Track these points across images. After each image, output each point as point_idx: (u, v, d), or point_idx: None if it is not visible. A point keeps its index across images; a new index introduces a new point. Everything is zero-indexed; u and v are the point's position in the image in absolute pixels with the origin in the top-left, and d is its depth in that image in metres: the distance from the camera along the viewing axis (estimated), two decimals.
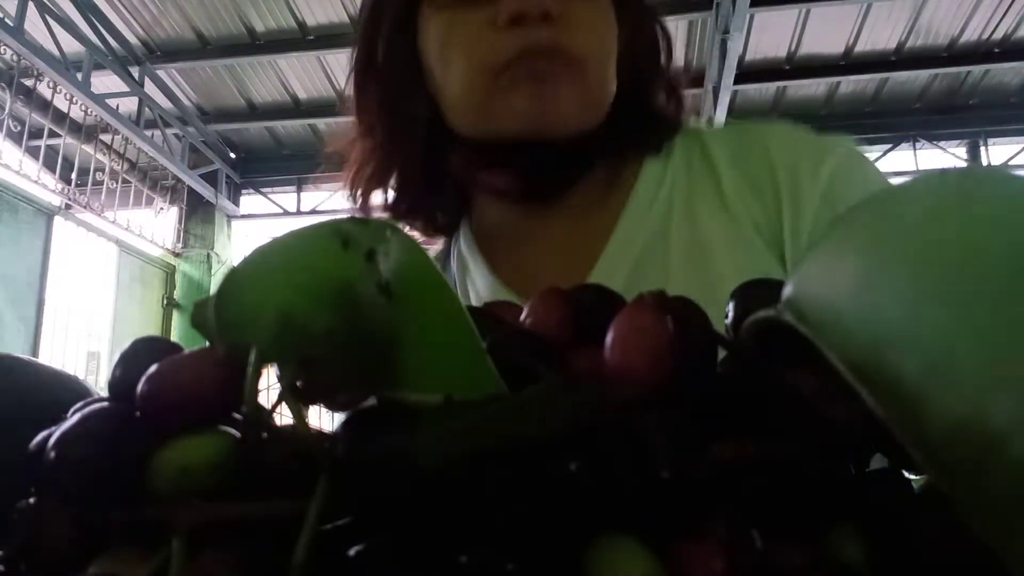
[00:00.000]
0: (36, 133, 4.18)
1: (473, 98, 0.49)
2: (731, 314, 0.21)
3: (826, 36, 4.16)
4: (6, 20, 3.24)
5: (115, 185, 4.55)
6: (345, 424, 0.18)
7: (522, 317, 0.23)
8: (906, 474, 0.18)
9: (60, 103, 4.17)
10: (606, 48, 0.50)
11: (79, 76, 3.67)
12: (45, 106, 4.15)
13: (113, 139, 4.49)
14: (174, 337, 4.37)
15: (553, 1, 0.46)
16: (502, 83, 0.47)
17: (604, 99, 0.51)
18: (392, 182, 0.58)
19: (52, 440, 0.18)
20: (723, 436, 0.17)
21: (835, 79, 4.53)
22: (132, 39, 4.04)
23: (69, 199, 4.17)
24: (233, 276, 0.19)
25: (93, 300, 4.43)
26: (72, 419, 0.18)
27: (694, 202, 0.53)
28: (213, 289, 0.20)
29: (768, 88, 4.64)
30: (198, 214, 5.15)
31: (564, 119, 0.48)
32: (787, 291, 0.17)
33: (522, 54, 0.47)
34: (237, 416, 0.19)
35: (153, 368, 0.19)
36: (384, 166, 0.57)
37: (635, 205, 0.53)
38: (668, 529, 0.16)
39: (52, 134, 4.18)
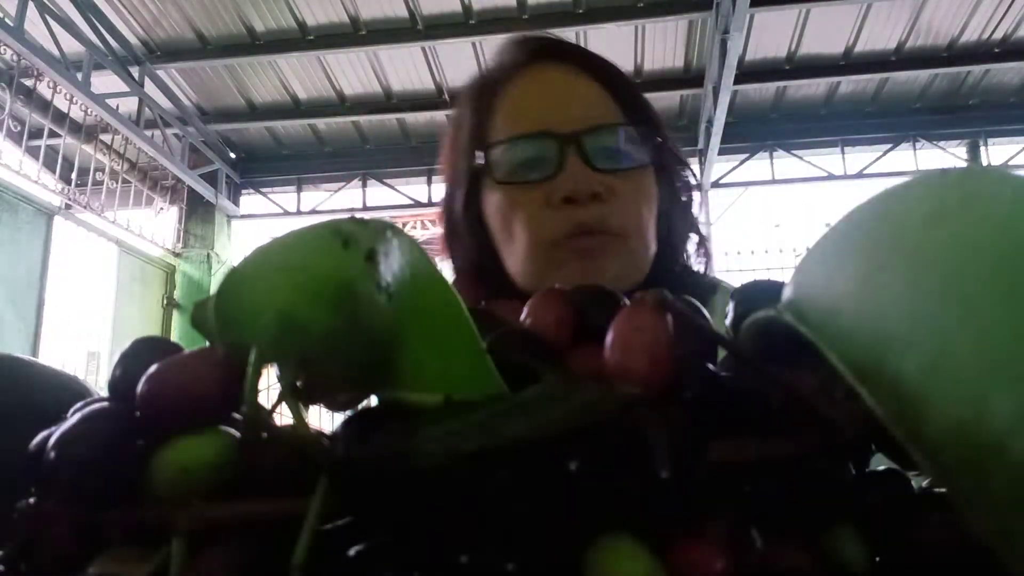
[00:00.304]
0: (36, 133, 4.18)
1: (533, 268, 0.57)
2: (731, 314, 0.21)
3: (826, 36, 4.15)
4: (6, 20, 3.24)
5: (115, 185, 4.55)
6: (345, 424, 0.18)
7: (522, 317, 0.23)
8: (906, 474, 0.18)
9: (60, 103, 4.17)
10: (646, 217, 0.58)
11: (79, 76, 3.67)
12: (45, 106, 4.15)
13: (113, 139, 4.49)
14: (174, 337, 4.36)
15: (600, 183, 0.54)
16: (556, 256, 0.55)
17: (645, 263, 0.58)
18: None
19: (52, 440, 0.18)
20: (723, 436, 0.17)
21: (835, 79, 4.53)
22: (132, 39, 4.04)
23: (69, 199, 4.16)
24: (233, 276, 0.19)
25: (93, 300, 4.43)
26: (72, 419, 0.18)
27: None
28: (213, 289, 0.20)
29: (768, 88, 4.64)
30: (198, 214, 5.14)
31: (608, 281, 0.54)
32: (787, 291, 0.17)
33: (573, 232, 0.55)
34: (237, 416, 0.19)
35: (153, 368, 0.19)
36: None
37: None
38: (668, 529, 0.16)
39: (52, 134, 4.18)
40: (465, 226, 0.62)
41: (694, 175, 0.66)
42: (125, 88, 4.06)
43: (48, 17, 3.55)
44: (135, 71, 4.13)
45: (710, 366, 0.20)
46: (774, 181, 5.15)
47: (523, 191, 0.57)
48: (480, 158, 0.59)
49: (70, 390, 0.29)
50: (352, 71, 4.40)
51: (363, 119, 4.85)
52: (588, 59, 0.61)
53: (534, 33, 0.64)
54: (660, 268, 0.59)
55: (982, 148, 5.02)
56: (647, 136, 0.59)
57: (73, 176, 4.33)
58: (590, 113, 0.57)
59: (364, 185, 5.34)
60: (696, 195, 0.65)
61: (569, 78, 0.59)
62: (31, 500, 0.19)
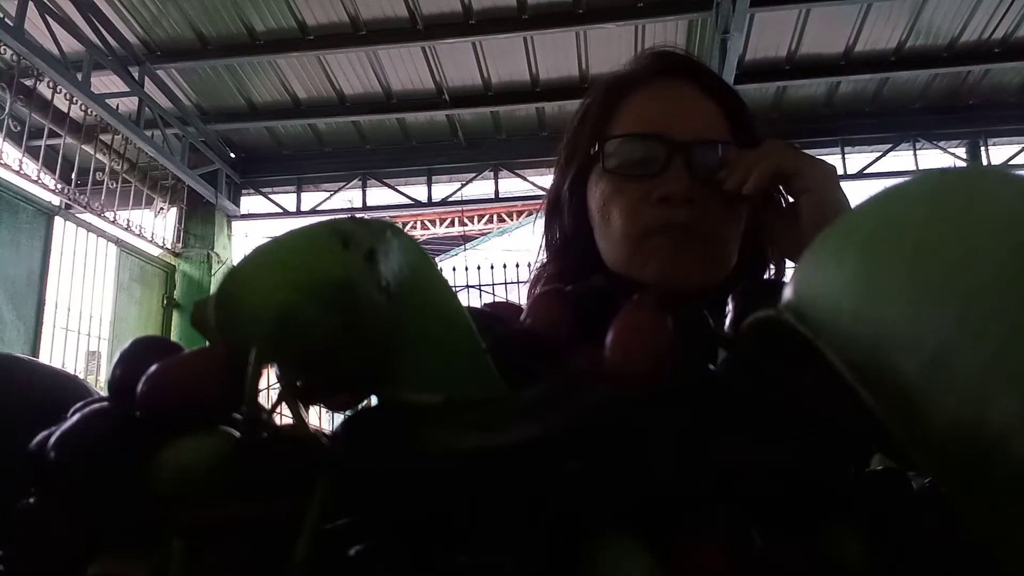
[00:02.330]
0: (36, 133, 4.18)
1: (622, 254, 0.63)
2: (731, 314, 0.21)
3: (826, 36, 4.15)
4: (6, 20, 3.23)
5: (115, 185, 4.55)
6: (345, 424, 0.18)
7: (522, 317, 0.23)
8: (906, 474, 0.18)
9: (60, 103, 4.17)
10: (732, 231, 0.64)
11: (79, 76, 3.66)
12: (45, 106, 4.14)
13: (113, 139, 4.48)
14: (174, 337, 4.36)
15: (697, 191, 0.60)
16: (645, 247, 0.61)
17: (724, 270, 0.63)
18: (545, 271, 0.72)
19: (52, 440, 0.18)
20: (723, 436, 0.17)
21: (835, 79, 4.52)
22: (132, 39, 4.04)
23: (69, 199, 4.16)
24: (233, 276, 0.19)
25: (93, 300, 4.43)
26: (72, 419, 0.18)
27: None
28: (213, 289, 0.20)
29: (768, 88, 4.64)
30: (198, 214, 5.14)
31: (688, 279, 0.61)
32: (787, 291, 0.17)
33: (665, 228, 0.60)
34: (237, 416, 0.19)
35: (153, 368, 0.19)
36: (549, 270, 0.71)
37: None
38: (668, 529, 0.16)
39: (52, 134, 4.18)
40: (569, 205, 0.68)
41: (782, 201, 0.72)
42: (125, 88, 4.06)
43: (48, 17, 3.55)
44: (135, 71, 4.13)
45: (710, 366, 0.20)
46: None
47: (627, 183, 0.63)
48: (596, 147, 0.66)
49: (70, 390, 0.29)
50: (352, 71, 4.40)
51: (363, 119, 4.85)
52: (712, 80, 0.68)
53: (671, 49, 0.71)
54: (736, 280, 0.64)
55: (982, 148, 5.01)
56: (745, 144, 0.64)
57: (73, 176, 4.33)
58: (703, 129, 0.63)
59: (364, 185, 5.34)
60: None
61: (692, 94, 0.66)
62: (31, 500, 0.19)
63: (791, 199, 0.62)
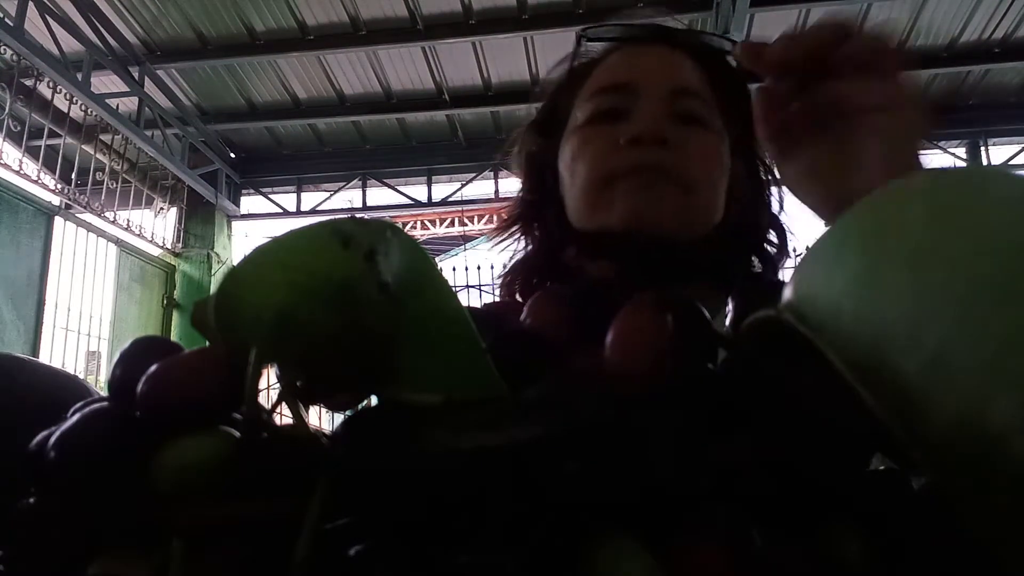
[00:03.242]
0: (36, 133, 4.18)
1: (586, 204, 0.57)
2: (731, 314, 0.21)
3: None
4: (6, 20, 3.23)
5: (115, 185, 4.55)
6: (345, 424, 0.18)
7: (522, 317, 0.23)
8: (906, 474, 0.18)
9: (60, 103, 4.17)
10: (713, 178, 0.57)
11: (79, 76, 3.66)
12: (45, 106, 4.14)
13: (113, 139, 4.48)
14: (174, 337, 4.36)
15: (671, 131, 0.54)
16: (612, 190, 0.55)
17: (704, 221, 0.57)
18: (520, 260, 0.67)
19: (52, 440, 0.18)
20: (723, 436, 0.17)
21: None
22: (132, 39, 4.04)
23: (69, 199, 4.16)
24: (233, 276, 0.19)
25: (93, 300, 4.43)
26: (72, 419, 0.18)
27: None
28: (213, 289, 0.20)
29: None
30: (198, 214, 5.14)
31: (660, 222, 0.54)
32: (787, 291, 0.17)
33: (634, 168, 0.54)
34: (237, 416, 0.19)
35: (153, 368, 0.19)
36: (522, 248, 0.67)
37: None
38: (668, 529, 0.16)
39: (52, 134, 4.18)
40: (536, 179, 0.63)
41: (772, 174, 0.63)
42: (125, 88, 4.06)
43: (48, 17, 3.55)
44: (135, 71, 4.13)
45: (710, 366, 0.20)
46: (774, 181, 5.13)
47: (597, 132, 0.58)
48: (565, 112, 0.61)
49: (70, 390, 0.29)
50: (352, 71, 4.40)
51: (363, 119, 4.85)
52: (690, 40, 0.62)
53: (644, 21, 0.65)
54: (725, 242, 0.58)
55: (982, 148, 5.01)
56: (732, 111, 0.58)
57: (73, 176, 4.33)
58: (680, 81, 0.58)
59: (364, 185, 5.34)
60: (775, 193, 0.64)
61: (665, 51, 0.60)
62: (31, 500, 0.19)
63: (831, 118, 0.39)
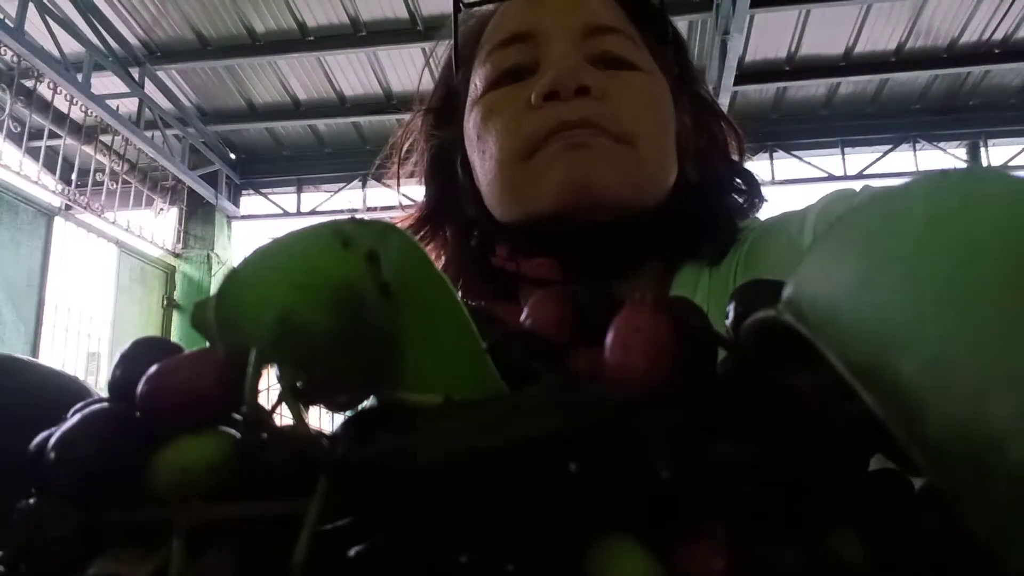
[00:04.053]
0: (36, 134, 4.18)
1: (509, 184, 0.46)
2: (731, 314, 0.21)
3: (826, 37, 4.15)
4: (6, 21, 3.24)
5: (115, 186, 4.55)
6: (345, 424, 0.18)
7: (522, 317, 0.23)
8: (906, 474, 0.18)
9: (60, 104, 4.17)
10: (655, 128, 0.46)
11: (79, 77, 3.67)
12: (45, 107, 4.15)
13: (113, 140, 4.49)
14: (174, 337, 4.36)
15: (589, 77, 0.44)
16: (538, 162, 0.44)
17: (655, 180, 0.46)
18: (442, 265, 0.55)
19: (52, 440, 0.18)
20: (723, 436, 0.17)
21: (835, 80, 4.53)
22: (132, 40, 4.04)
23: (69, 200, 4.16)
24: (233, 276, 0.19)
25: (93, 300, 4.43)
26: (72, 419, 0.18)
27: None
28: (213, 289, 0.20)
29: (768, 89, 4.64)
30: (198, 215, 5.14)
31: (602, 184, 0.43)
32: (787, 291, 0.17)
33: (557, 128, 0.43)
34: (237, 416, 0.19)
35: (153, 368, 0.19)
36: (437, 248, 0.55)
37: None
38: (668, 529, 0.16)
39: (52, 135, 4.18)
40: (438, 173, 0.52)
41: (730, 124, 0.54)
42: (125, 89, 4.06)
43: (48, 18, 3.55)
44: (135, 72, 4.14)
45: (710, 366, 0.20)
46: (774, 182, 5.15)
47: (502, 96, 0.47)
48: (460, 82, 0.50)
49: (70, 390, 0.29)
50: (352, 71, 4.41)
51: (363, 120, 4.85)
52: None
53: None
54: (687, 201, 0.49)
55: (982, 149, 5.02)
56: (661, 45, 0.49)
57: (73, 177, 4.33)
58: (590, 17, 0.47)
59: (364, 185, 5.34)
60: (734, 142, 0.54)
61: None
62: (31, 500, 0.19)
63: None
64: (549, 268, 0.47)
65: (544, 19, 0.47)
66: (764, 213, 0.55)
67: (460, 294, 0.53)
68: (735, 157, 0.54)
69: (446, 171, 0.53)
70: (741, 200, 0.53)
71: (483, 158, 0.47)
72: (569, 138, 0.43)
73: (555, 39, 0.45)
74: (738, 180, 0.53)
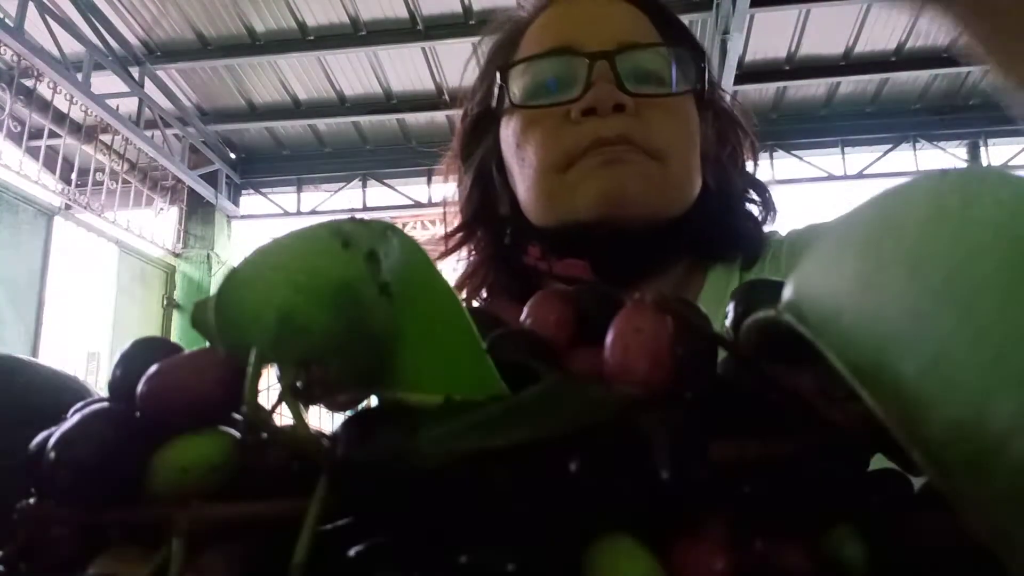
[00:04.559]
0: (36, 133, 4.18)
1: (547, 193, 0.49)
2: (731, 314, 0.21)
3: (826, 36, 4.15)
4: (6, 20, 3.24)
5: (115, 185, 4.55)
6: (345, 424, 0.18)
7: (522, 317, 0.23)
8: (906, 474, 0.18)
9: (60, 103, 4.17)
10: (684, 145, 0.50)
11: (79, 76, 3.67)
12: (45, 106, 4.15)
13: (113, 139, 4.49)
14: (174, 337, 4.36)
15: (626, 96, 0.47)
16: (575, 174, 0.47)
17: (683, 194, 0.50)
18: (472, 264, 0.58)
19: (52, 440, 0.18)
20: (723, 436, 0.17)
21: (835, 79, 4.53)
22: (132, 39, 4.04)
23: (69, 199, 4.16)
24: (233, 276, 0.19)
25: (93, 300, 4.43)
26: (72, 419, 0.18)
27: None
28: (213, 289, 0.20)
29: (768, 89, 4.64)
30: (198, 214, 5.14)
31: (635, 199, 0.47)
32: (787, 291, 0.17)
33: (594, 143, 0.47)
34: (237, 416, 0.19)
35: (153, 368, 0.19)
36: (468, 248, 0.58)
37: None
38: (668, 529, 0.16)
39: (52, 134, 4.18)
40: (477, 177, 0.55)
41: (747, 133, 0.57)
42: (125, 88, 4.06)
43: (48, 17, 3.55)
44: (135, 71, 4.14)
45: (710, 366, 0.20)
46: (774, 181, 5.15)
47: (542, 112, 0.50)
48: (498, 86, 0.52)
49: (70, 390, 0.29)
50: (352, 71, 4.41)
51: (363, 119, 4.85)
52: None
53: None
54: (704, 221, 0.52)
55: (982, 148, 5.02)
56: (687, 62, 0.52)
57: (73, 176, 4.33)
58: (623, 34, 0.50)
59: (364, 185, 5.34)
60: (747, 144, 0.57)
61: (602, 1, 0.53)
62: (31, 500, 0.19)
63: None
64: (581, 269, 0.50)
65: (582, 35, 0.50)
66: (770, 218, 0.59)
67: (486, 292, 0.57)
68: (749, 167, 0.58)
69: (484, 173, 0.56)
70: (756, 211, 0.57)
71: (522, 165, 0.51)
72: (606, 154, 0.47)
73: (595, 64, 0.48)
74: (752, 191, 0.57)
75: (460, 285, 0.58)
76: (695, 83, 0.52)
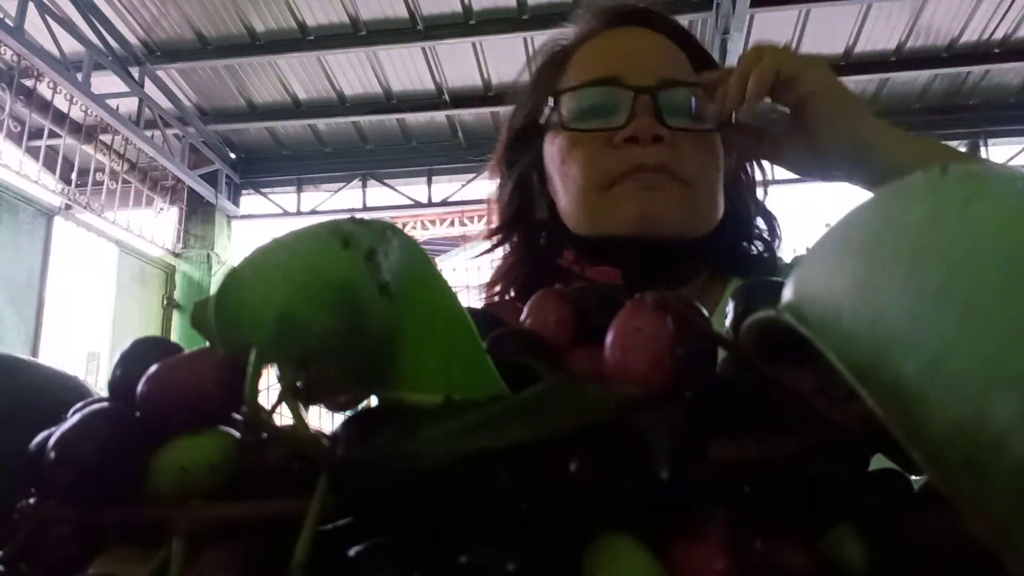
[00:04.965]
0: (36, 133, 4.18)
1: (586, 208, 0.55)
2: (731, 314, 0.21)
3: (826, 36, 4.15)
4: (6, 20, 3.23)
5: (115, 185, 4.55)
6: (345, 424, 0.18)
7: (522, 317, 0.23)
8: (906, 474, 0.18)
9: (60, 103, 4.17)
10: (711, 175, 0.57)
11: (79, 76, 3.66)
12: (45, 106, 4.14)
13: (113, 139, 4.48)
14: (174, 337, 4.36)
15: (665, 129, 0.53)
16: (613, 194, 0.54)
17: (709, 218, 0.56)
18: (507, 262, 0.64)
19: (52, 440, 0.18)
20: (723, 436, 0.17)
21: None
22: (132, 39, 4.04)
23: (69, 199, 4.16)
24: (233, 276, 0.19)
25: (93, 300, 4.43)
26: (72, 419, 0.18)
27: None
28: (213, 289, 0.20)
29: None
30: (198, 214, 5.14)
31: (668, 222, 0.53)
32: (787, 291, 0.17)
33: (634, 169, 0.53)
34: (237, 416, 0.19)
35: (153, 368, 0.19)
36: (506, 251, 0.65)
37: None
38: (668, 529, 0.16)
39: (52, 134, 4.18)
40: (521, 179, 0.61)
41: (760, 164, 0.65)
42: (125, 88, 4.06)
43: (48, 17, 3.55)
44: (135, 71, 4.13)
45: (710, 366, 0.20)
46: (775, 181, 5.13)
47: (588, 135, 0.56)
48: (548, 107, 0.58)
49: (70, 390, 0.29)
50: (352, 71, 4.40)
51: (363, 119, 4.85)
52: (666, 21, 0.61)
53: (617, 2, 0.63)
54: (724, 235, 0.59)
55: (982, 148, 5.01)
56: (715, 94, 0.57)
57: (73, 176, 4.33)
58: (665, 70, 0.56)
59: (364, 185, 5.33)
60: (759, 176, 0.65)
61: (645, 35, 0.59)
62: (31, 500, 0.19)
63: (789, 106, 0.54)
64: (612, 275, 0.55)
65: (627, 68, 0.56)
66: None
67: (513, 293, 0.62)
68: (760, 195, 0.65)
69: (526, 179, 0.62)
70: (765, 233, 0.64)
71: (565, 180, 0.57)
72: (644, 180, 0.53)
73: (639, 97, 0.54)
74: (762, 219, 0.64)
75: (495, 282, 0.63)
76: (723, 124, 0.59)
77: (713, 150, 0.57)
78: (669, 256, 0.54)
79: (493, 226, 0.64)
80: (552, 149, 0.59)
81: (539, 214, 0.61)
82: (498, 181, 0.65)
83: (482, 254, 0.65)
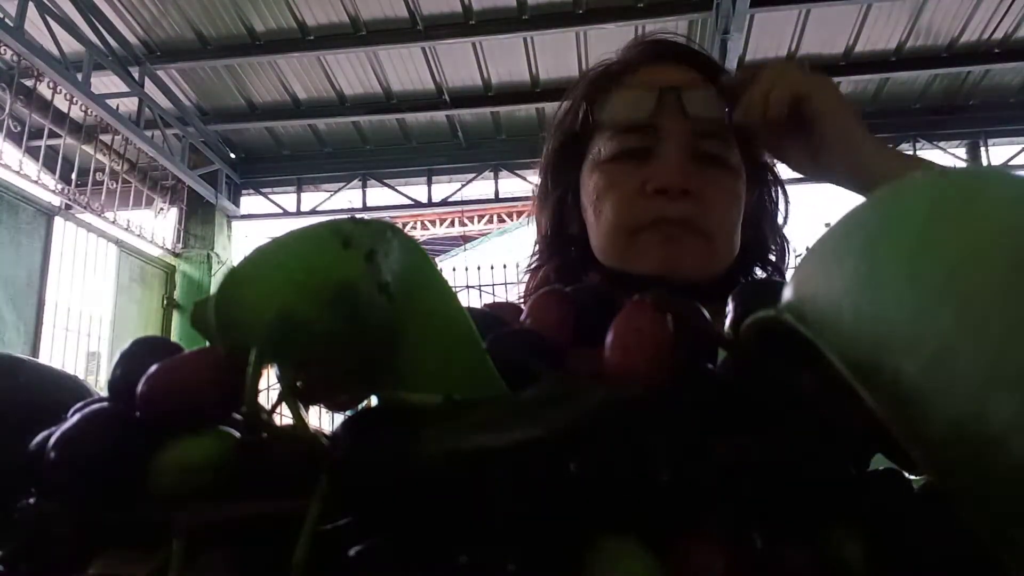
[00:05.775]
0: (36, 133, 4.18)
1: (614, 249, 0.61)
2: (731, 314, 0.21)
3: (826, 36, 4.15)
4: (6, 20, 3.23)
5: (115, 185, 4.54)
6: (345, 424, 0.18)
7: (522, 317, 0.23)
8: (906, 474, 0.18)
9: (60, 103, 4.17)
10: (733, 221, 0.61)
11: (79, 76, 3.66)
12: (45, 106, 4.14)
13: (113, 139, 4.48)
14: (174, 337, 4.36)
15: (694, 181, 0.58)
16: (639, 241, 0.59)
17: (726, 262, 0.61)
18: (545, 272, 0.69)
19: (52, 440, 0.18)
20: (723, 436, 0.17)
21: (835, 79, 4.51)
22: (132, 39, 4.04)
23: (69, 199, 4.16)
24: (233, 276, 0.19)
25: (93, 300, 4.43)
26: (72, 419, 0.18)
27: None
28: (213, 289, 0.20)
29: None
30: (198, 214, 5.14)
31: (688, 274, 0.58)
32: (787, 291, 0.17)
33: (659, 220, 0.58)
34: (237, 416, 0.19)
35: (153, 368, 0.19)
36: (542, 261, 0.70)
37: None
38: (668, 529, 0.16)
39: (52, 134, 4.18)
40: (557, 199, 0.67)
41: (783, 189, 0.69)
42: (125, 88, 4.06)
43: (48, 17, 3.55)
44: (135, 71, 4.13)
45: (710, 366, 0.20)
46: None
47: (621, 171, 0.60)
48: (586, 138, 0.63)
49: (70, 390, 0.29)
50: (352, 71, 4.40)
51: (363, 119, 4.85)
52: (708, 64, 0.65)
53: (663, 35, 0.68)
54: (739, 268, 0.63)
55: (982, 148, 5.01)
56: (746, 143, 0.62)
57: (73, 176, 4.33)
58: (702, 109, 0.61)
59: (364, 185, 5.33)
60: (782, 203, 0.69)
61: (686, 78, 0.63)
62: (31, 500, 0.19)
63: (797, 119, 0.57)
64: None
65: (663, 116, 0.60)
66: None
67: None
68: (780, 221, 0.69)
69: (563, 200, 0.67)
70: (776, 256, 0.68)
71: (597, 216, 0.62)
72: (667, 232, 0.58)
73: (670, 139, 0.59)
74: (775, 245, 0.68)
75: (533, 291, 0.68)
76: (749, 164, 0.64)
77: (737, 196, 0.62)
78: (688, 294, 0.59)
79: (542, 234, 0.70)
80: (589, 183, 0.63)
81: (571, 230, 0.66)
82: (539, 180, 0.71)
83: (534, 270, 0.70)
